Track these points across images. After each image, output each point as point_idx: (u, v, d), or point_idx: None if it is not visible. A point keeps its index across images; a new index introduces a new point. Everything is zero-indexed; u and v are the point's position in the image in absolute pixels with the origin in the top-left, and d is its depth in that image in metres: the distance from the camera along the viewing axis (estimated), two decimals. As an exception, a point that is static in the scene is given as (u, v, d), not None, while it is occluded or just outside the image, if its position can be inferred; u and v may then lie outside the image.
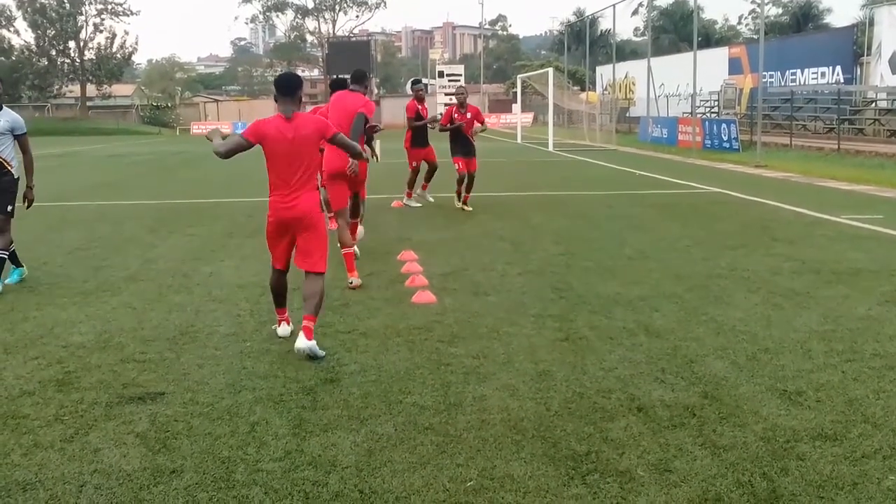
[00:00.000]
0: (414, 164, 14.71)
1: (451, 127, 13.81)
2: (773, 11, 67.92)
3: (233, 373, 5.45)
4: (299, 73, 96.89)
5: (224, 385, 5.21)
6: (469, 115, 13.64)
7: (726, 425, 4.48)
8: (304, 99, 6.20)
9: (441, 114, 15.85)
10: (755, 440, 4.28)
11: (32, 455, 4.19)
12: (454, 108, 14.15)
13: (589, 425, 4.50)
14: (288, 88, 5.90)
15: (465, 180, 13.75)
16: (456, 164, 13.64)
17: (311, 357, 5.74)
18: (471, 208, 13.70)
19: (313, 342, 5.76)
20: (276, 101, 5.93)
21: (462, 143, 13.68)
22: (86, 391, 5.11)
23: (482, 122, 13.82)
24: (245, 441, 4.34)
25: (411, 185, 14.97)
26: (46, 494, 3.78)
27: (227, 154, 5.92)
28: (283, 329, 6.40)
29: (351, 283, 8.04)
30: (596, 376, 5.31)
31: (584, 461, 4.06)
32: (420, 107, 14.48)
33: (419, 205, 14.74)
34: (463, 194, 13.94)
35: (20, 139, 8.36)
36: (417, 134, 14.59)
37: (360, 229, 10.01)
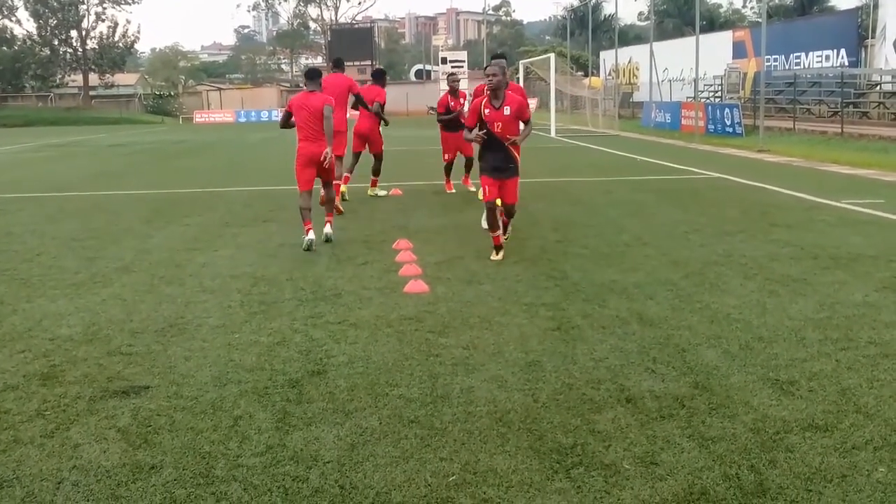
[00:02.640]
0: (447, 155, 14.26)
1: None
2: (777, -6, 67.47)
3: (219, 365, 5.40)
4: (303, 60, 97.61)
5: (210, 378, 5.15)
6: (508, 112, 8.32)
7: (715, 416, 4.41)
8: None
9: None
10: (744, 431, 4.21)
11: (11, 451, 4.14)
12: (482, 100, 8.65)
13: (576, 417, 4.44)
14: (313, 76, 9.76)
15: (503, 212, 8.93)
16: (483, 188, 8.69)
17: (328, 239, 9.66)
18: (500, 257, 8.63)
19: (331, 230, 9.78)
20: (304, 84, 9.83)
21: (493, 151, 8.47)
22: (70, 385, 5.06)
23: (527, 121, 8.55)
24: (227, 436, 4.29)
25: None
26: (23, 492, 3.73)
27: (282, 123, 9.94)
28: (310, 235, 9.40)
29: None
30: (586, 366, 5.24)
31: (569, 454, 3.99)
32: (453, 101, 13.73)
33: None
34: (498, 231, 8.77)
35: None
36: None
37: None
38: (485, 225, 9.61)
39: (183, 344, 5.87)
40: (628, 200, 13.23)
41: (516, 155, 8.60)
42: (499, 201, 8.70)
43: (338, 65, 13.29)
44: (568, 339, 5.84)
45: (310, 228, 9.43)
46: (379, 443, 4.17)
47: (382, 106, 13.26)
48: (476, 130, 8.41)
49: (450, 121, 13.71)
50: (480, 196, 9.13)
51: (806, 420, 4.34)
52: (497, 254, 8.75)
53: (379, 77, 14.02)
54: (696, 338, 5.79)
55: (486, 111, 8.36)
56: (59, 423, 4.48)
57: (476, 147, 8.88)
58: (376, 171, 14.15)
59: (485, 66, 11.29)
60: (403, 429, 4.33)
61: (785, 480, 3.69)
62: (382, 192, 14.23)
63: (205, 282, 7.84)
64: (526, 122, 8.57)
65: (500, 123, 8.33)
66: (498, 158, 8.48)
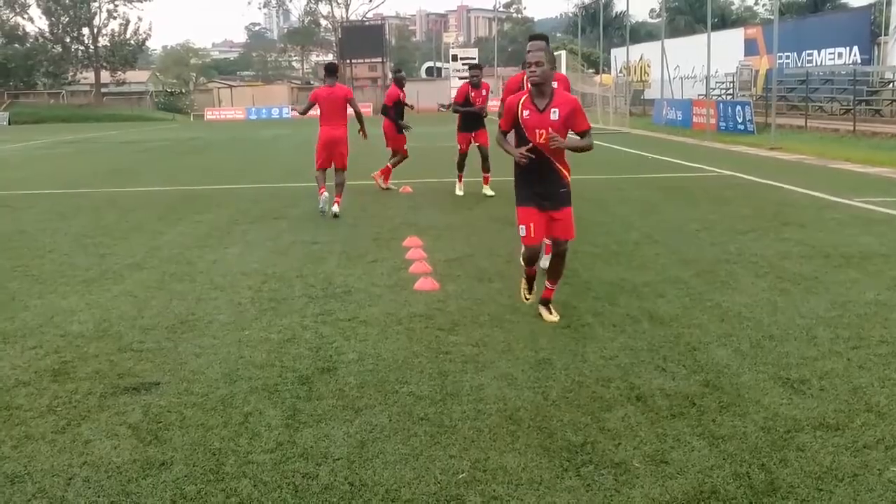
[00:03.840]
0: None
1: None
2: (790, -9, 67.13)
3: (229, 362, 5.41)
4: (314, 57, 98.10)
5: (220, 375, 5.17)
6: (556, 116, 5.78)
7: (726, 415, 4.40)
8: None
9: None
10: (755, 430, 4.19)
11: (23, 447, 4.16)
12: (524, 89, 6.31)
13: (586, 415, 4.43)
14: (331, 70, 11.92)
15: (551, 258, 6.40)
16: (522, 227, 6.11)
17: (335, 215, 11.30)
18: (556, 317, 6.27)
19: (338, 209, 11.42)
20: (323, 78, 11.92)
21: (535, 171, 5.96)
22: (81, 381, 5.08)
23: (584, 133, 5.95)
24: (237, 432, 4.30)
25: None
26: (34, 487, 3.74)
27: (305, 111, 12.24)
28: (324, 196, 11.55)
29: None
30: (596, 365, 5.23)
31: (579, 452, 3.99)
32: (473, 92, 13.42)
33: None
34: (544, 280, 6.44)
35: None
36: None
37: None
38: (526, 296, 6.61)
39: (193, 341, 5.89)
40: (638, 198, 13.20)
41: (567, 174, 6.08)
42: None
43: (399, 81, 14.87)
44: (578, 337, 5.83)
45: (323, 190, 11.61)
46: (388, 440, 4.17)
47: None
48: (520, 148, 5.90)
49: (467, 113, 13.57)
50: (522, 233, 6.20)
51: (817, 419, 4.32)
52: (530, 293, 6.57)
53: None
54: (706, 336, 5.77)
55: (526, 112, 5.85)
56: (70, 420, 4.50)
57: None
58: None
59: (504, 64, 11.07)
60: (413, 426, 4.33)
61: (796, 479, 3.67)
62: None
63: (215, 279, 7.86)
64: (582, 135, 5.97)
65: (544, 131, 5.81)
66: (543, 181, 6.01)
